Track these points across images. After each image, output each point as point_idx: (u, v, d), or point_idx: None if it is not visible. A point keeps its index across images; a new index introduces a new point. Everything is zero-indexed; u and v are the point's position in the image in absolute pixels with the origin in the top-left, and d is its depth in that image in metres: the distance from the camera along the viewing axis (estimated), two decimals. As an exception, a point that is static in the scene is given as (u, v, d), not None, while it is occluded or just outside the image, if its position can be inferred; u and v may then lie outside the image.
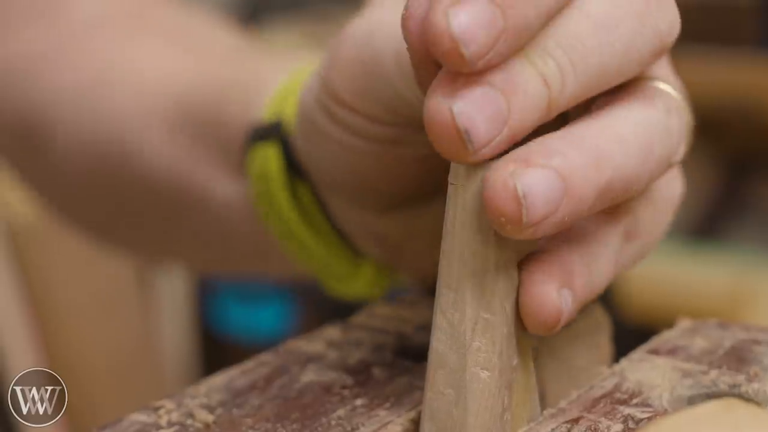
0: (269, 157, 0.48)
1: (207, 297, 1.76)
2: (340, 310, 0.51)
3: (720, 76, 1.56)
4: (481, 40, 0.31)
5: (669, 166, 0.37)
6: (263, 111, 0.50)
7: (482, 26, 0.31)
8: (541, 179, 0.32)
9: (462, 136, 0.32)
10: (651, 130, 0.35)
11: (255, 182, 0.49)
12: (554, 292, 0.34)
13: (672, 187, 0.40)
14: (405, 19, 0.33)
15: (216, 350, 1.73)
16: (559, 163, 0.32)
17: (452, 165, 0.33)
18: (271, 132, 0.48)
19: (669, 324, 0.42)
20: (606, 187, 0.34)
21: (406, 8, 0.33)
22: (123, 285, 1.37)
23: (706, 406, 0.33)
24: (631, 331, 0.54)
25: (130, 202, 0.60)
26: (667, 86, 0.37)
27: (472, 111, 0.32)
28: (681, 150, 0.37)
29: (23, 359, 1.22)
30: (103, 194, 0.60)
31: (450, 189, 0.34)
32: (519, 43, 0.32)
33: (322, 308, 1.56)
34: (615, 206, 0.36)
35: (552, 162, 0.32)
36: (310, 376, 0.39)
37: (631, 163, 0.34)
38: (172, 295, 1.65)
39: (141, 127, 0.57)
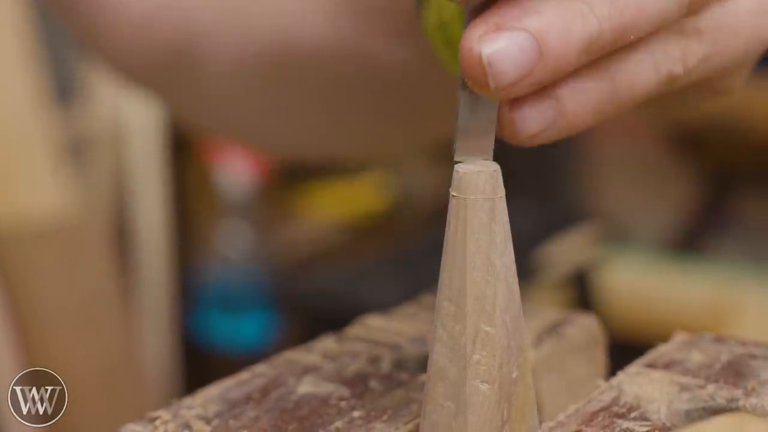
0: None
1: (189, 307, 1.75)
2: (322, 320, 0.51)
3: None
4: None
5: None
6: None
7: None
8: (510, 44, 0.31)
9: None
10: None
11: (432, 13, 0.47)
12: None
13: None
14: None
15: (198, 360, 1.72)
16: (532, 24, 0.31)
17: (453, 177, 0.33)
18: None
19: (652, 336, 0.42)
20: (595, 39, 0.32)
21: None
22: (105, 294, 1.37)
23: (717, 420, 0.32)
24: (615, 343, 0.54)
25: (290, 95, 0.58)
26: None
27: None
28: None
29: (4, 367, 1.21)
30: (261, 93, 0.59)
31: (451, 201, 0.33)
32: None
33: (305, 318, 1.56)
34: None
35: (525, 23, 0.31)
36: (306, 387, 0.39)
37: (626, 11, 0.32)
38: (155, 304, 1.65)
39: (302, 12, 0.56)
